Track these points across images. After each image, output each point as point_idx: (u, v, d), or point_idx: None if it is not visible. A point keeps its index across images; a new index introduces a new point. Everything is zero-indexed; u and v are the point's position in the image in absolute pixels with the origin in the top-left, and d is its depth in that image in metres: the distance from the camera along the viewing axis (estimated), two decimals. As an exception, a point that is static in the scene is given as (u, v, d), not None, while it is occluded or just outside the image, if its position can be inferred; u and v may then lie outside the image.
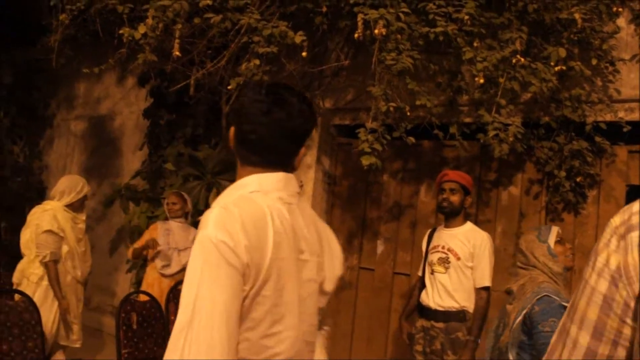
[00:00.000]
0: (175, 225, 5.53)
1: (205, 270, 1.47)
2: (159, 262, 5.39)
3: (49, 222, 4.90)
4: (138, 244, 5.46)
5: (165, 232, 5.45)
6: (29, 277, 4.93)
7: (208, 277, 1.46)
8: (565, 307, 3.05)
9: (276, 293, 1.58)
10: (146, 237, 5.47)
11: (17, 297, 4.53)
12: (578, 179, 4.72)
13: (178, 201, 5.56)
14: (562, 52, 4.40)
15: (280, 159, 1.74)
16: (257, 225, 1.56)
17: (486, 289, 4.22)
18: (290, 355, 1.63)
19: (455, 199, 4.31)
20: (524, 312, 3.12)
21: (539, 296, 3.10)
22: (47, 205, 5.07)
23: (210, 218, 1.54)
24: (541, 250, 3.29)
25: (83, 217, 5.17)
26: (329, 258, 1.84)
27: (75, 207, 5.10)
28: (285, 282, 1.60)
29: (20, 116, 8.67)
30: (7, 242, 8.58)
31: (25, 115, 8.67)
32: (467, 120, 5.09)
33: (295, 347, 1.64)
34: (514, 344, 3.16)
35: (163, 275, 5.38)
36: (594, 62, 4.52)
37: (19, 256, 8.40)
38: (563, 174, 4.72)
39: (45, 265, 4.87)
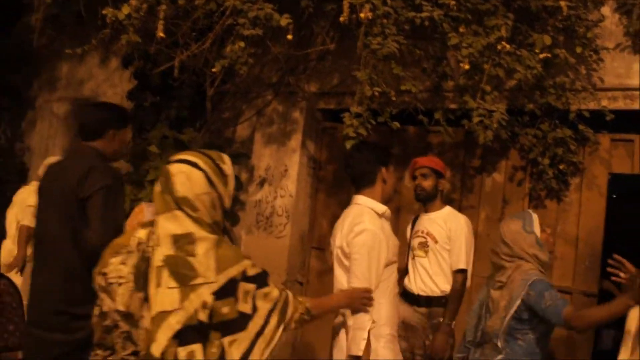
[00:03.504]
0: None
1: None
2: None
3: (28, 199, 4.91)
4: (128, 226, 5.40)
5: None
6: None
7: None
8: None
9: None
10: (132, 219, 5.42)
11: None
12: (561, 167, 4.75)
13: None
14: (547, 40, 4.40)
15: None
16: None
17: (461, 271, 4.23)
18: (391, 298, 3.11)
19: (427, 183, 4.32)
20: (518, 302, 3.13)
21: (529, 282, 3.12)
22: (33, 185, 5.03)
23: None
24: (529, 241, 3.29)
25: None
26: None
27: None
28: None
29: (2, 98, 8.55)
30: (-12, 223, 8.51)
31: (7, 97, 8.55)
32: (452, 106, 5.10)
33: None
34: (503, 331, 3.19)
35: None
36: (579, 50, 4.53)
37: (2, 237, 8.35)
38: (546, 161, 4.74)
39: (20, 228, 4.88)
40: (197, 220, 2.17)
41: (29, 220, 4.95)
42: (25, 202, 4.96)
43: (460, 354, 3.60)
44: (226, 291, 2.11)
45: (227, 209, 2.30)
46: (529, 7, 4.59)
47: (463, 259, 4.23)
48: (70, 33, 7.03)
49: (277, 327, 2.20)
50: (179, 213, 2.18)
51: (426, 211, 4.41)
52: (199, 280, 2.08)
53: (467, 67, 4.40)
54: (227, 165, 2.30)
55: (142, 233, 2.24)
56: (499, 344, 3.19)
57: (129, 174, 6.61)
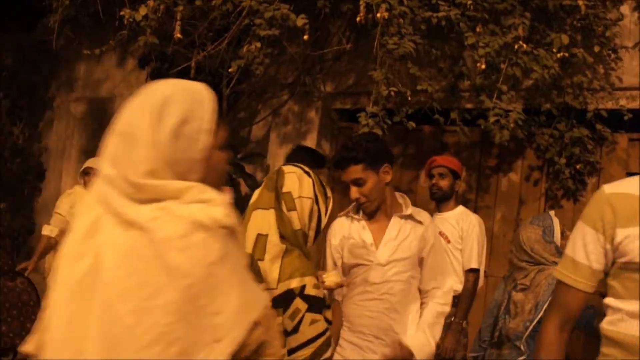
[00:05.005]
0: None
1: None
2: None
3: (60, 205, 4.93)
4: None
5: None
6: None
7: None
8: None
9: None
10: None
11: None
12: (578, 167, 4.72)
13: None
14: (565, 39, 4.38)
15: None
16: None
17: (473, 271, 4.21)
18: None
19: (444, 183, 4.30)
20: (545, 307, 3.10)
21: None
22: (74, 189, 5.06)
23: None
24: (549, 250, 3.26)
25: None
26: None
27: None
28: None
29: (21, 98, 8.62)
30: (6, 223, 8.58)
31: (25, 97, 8.62)
32: (468, 106, 5.08)
33: None
34: (526, 335, 3.17)
35: None
36: (597, 49, 4.50)
37: (18, 237, 8.41)
38: (563, 161, 4.72)
39: (41, 237, 4.91)
40: (284, 222, 2.19)
41: (50, 230, 4.93)
42: (56, 207, 4.97)
43: (474, 353, 3.58)
44: (280, 302, 2.09)
45: (321, 228, 2.30)
46: (546, 6, 4.56)
47: (475, 259, 4.21)
48: (88, 34, 7.09)
49: None
50: (271, 212, 2.19)
51: (439, 211, 4.40)
52: (262, 286, 2.07)
53: (483, 66, 4.39)
54: (329, 193, 2.40)
55: None
56: (522, 347, 3.17)
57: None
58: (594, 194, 1.93)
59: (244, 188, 5.78)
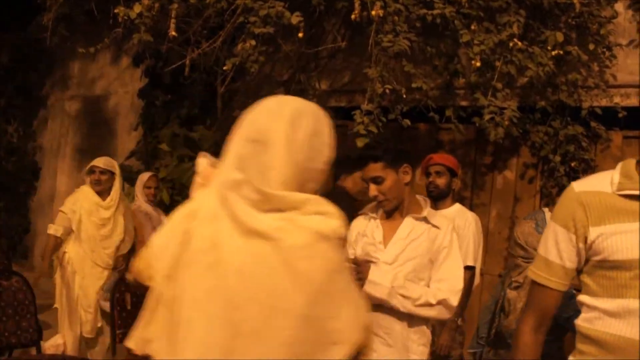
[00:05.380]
0: (151, 209, 5.39)
1: None
2: None
3: (65, 204, 4.91)
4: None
5: (147, 218, 5.33)
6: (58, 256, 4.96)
7: None
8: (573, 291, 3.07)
9: None
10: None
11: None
12: (573, 164, 4.73)
13: (157, 184, 5.48)
14: (560, 37, 4.38)
15: None
16: None
17: (469, 268, 4.21)
18: None
19: (441, 181, 4.29)
20: None
21: None
22: (80, 188, 5.04)
23: None
24: None
25: (108, 203, 4.96)
26: None
27: (99, 191, 4.96)
28: None
29: (15, 96, 8.61)
30: (1, 222, 8.57)
31: (20, 95, 8.61)
32: (463, 103, 5.09)
33: None
34: None
35: None
36: (591, 47, 4.51)
37: (14, 236, 8.41)
38: (558, 158, 4.73)
39: (48, 237, 4.89)
40: None
41: (55, 229, 4.90)
42: (62, 206, 4.95)
43: (472, 349, 3.58)
44: None
45: None
46: (541, 4, 4.57)
47: (470, 256, 4.21)
48: (83, 32, 7.07)
49: None
50: None
51: (436, 209, 4.38)
52: None
53: (478, 64, 4.39)
54: None
55: None
56: None
57: (140, 171, 6.64)
58: (564, 192, 1.92)
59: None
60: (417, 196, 3.03)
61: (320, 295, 1.37)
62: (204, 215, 1.44)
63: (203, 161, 1.67)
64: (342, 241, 1.44)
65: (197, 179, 1.59)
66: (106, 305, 4.57)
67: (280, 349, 1.34)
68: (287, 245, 1.36)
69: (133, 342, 1.47)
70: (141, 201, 5.33)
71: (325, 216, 1.42)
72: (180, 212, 1.50)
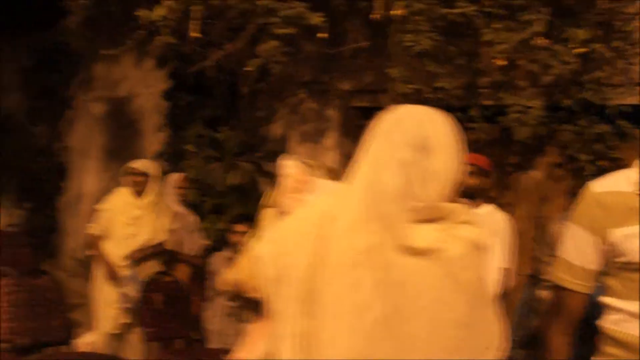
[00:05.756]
0: (182, 209, 5.48)
1: None
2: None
3: (102, 203, 5.02)
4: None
5: (176, 217, 5.37)
6: None
7: None
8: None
9: None
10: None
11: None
12: (600, 163, 4.66)
13: (188, 185, 5.57)
14: (584, 34, 4.33)
15: None
16: None
17: (503, 269, 4.17)
18: None
19: (473, 182, 4.26)
20: None
21: None
22: (118, 190, 5.14)
23: None
24: None
25: (141, 202, 5.06)
26: None
27: (134, 191, 5.04)
28: None
29: (41, 98, 8.71)
30: (30, 222, 8.69)
31: (45, 97, 8.71)
32: (487, 102, 5.04)
33: None
34: None
35: None
36: (617, 44, 4.44)
37: (42, 236, 8.52)
38: (585, 157, 4.67)
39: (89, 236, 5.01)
40: None
41: (95, 228, 4.99)
42: (99, 205, 5.05)
43: None
44: None
45: None
46: (564, 1, 4.51)
47: (505, 258, 4.17)
48: (107, 34, 7.13)
49: None
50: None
51: (468, 209, 4.35)
52: None
53: (501, 62, 4.35)
54: None
55: None
56: None
57: (166, 172, 6.69)
58: (582, 193, 1.88)
59: (263, 187, 5.79)
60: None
61: (477, 302, 1.44)
62: (344, 225, 1.44)
63: (292, 164, 1.68)
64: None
65: (290, 183, 1.60)
66: (127, 293, 4.62)
67: (446, 358, 1.39)
68: (448, 257, 1.41)
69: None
70: (170, 200, 5.41)
71: (470, 225, 1.48)
72: (298, 219, 1.52)
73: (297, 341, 1.40)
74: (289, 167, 1.72)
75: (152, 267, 4.98)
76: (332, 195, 1.56)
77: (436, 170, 1.45)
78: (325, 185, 1.83)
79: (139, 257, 4.96)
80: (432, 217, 1.44)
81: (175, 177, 5.57)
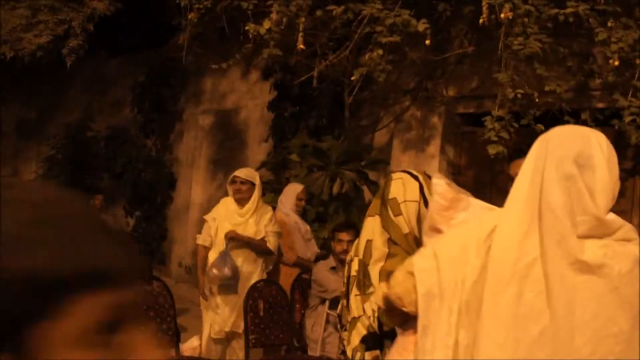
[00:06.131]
0: (299, 219, 5.53)
1: None
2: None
3: (210, 214, 5.11)
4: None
5: (296, 226, 5.43)
6: None
7: None
8: None
9: None
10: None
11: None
12: None
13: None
14: None
15: None
16: None
17: None
18: None
19: None
20: None
21: None
22: (224, 199, 5.22)
23: None
24: None
25: (245, 211, 5.03)
26: None
27: (239, 199, 5.11)
28: None
29: (153, 112, 9.10)
30: (141, 230, 9.06)
31: (156, 111, 9.09)
32: (600, 105, 4.86)
33: None
34: None
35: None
36: None
37: (152, 243, 8.87)
38: None
39: (197, 247, 5.12)
40: (393, 227, 2.23)
41: (203, 239, 5.07)
42: (207, 216, 5.16)
43: None
44: None
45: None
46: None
47: None
48: (214, 49, 7.37)
49: None
50: (376, 218, 2.27)
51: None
52: (371, 290, 2.16)
53: (616, 63, 4.19)
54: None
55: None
56: None
57: (270, 182, 6.82)
58: None
59: (367, 195, 5.80)
60: None
61: (638, 316, 1.46)
62: (506, 239, 1.50)
63: (442, 182, 1.72)
64: None
65: (439, 201, 1.65)
66: (216, 273, 4.69)
67: None
68: (615, 273, 1.44)
69: None
70: (289, 210, 5.48)
71: (633, 242, 1.50)
72: (460, 236, 1.58)
73: (450, 353, 1.45)
74: (439, 186, 1.75)
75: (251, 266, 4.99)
76: (493, 212, 1.64)
77: (601, 186, 1.47)
78: (477, 203, 1.85)
79: (237, 239, 4.93)
80: (602, 234, 1.46)
81: (296, 188, 5.61)
